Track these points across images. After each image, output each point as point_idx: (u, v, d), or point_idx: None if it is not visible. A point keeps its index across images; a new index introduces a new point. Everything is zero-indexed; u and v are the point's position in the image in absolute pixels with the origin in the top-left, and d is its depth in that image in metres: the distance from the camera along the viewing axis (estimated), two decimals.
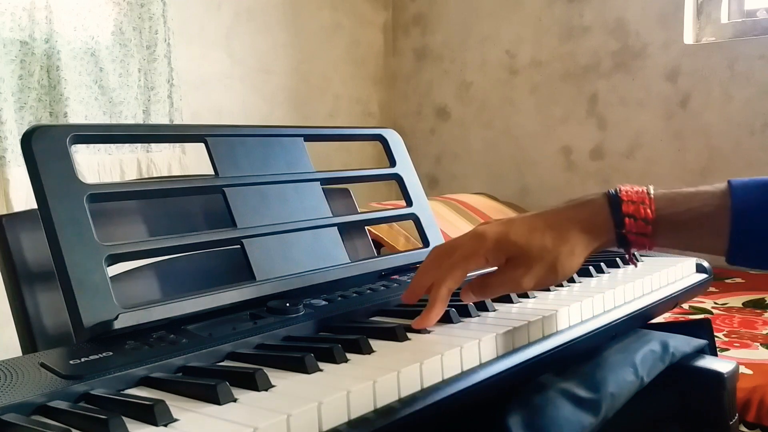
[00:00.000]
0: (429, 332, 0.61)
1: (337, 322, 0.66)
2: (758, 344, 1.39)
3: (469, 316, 0.66)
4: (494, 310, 0.68)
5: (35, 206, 0.61)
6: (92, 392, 0.48)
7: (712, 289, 1.79)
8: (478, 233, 0.62)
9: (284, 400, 0.45)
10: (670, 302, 0.82)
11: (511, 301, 0.71)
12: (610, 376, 0.68)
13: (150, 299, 0.68)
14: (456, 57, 2.75)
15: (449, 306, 0.66)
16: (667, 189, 0.60)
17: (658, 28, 2.27)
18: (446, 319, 0.64)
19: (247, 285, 0.69)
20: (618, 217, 0.59)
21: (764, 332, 1.47)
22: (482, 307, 0.68)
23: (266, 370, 0.49)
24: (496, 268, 0.64)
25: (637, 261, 0.64)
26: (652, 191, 0.59)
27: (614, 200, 0.60)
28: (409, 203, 0.94)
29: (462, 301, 0.67)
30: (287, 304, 0.66)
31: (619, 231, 0.59)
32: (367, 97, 2.85)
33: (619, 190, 0.60)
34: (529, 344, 0.62)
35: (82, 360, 0.52)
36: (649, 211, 0.58)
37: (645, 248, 0.60)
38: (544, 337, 0.63)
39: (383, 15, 2.90)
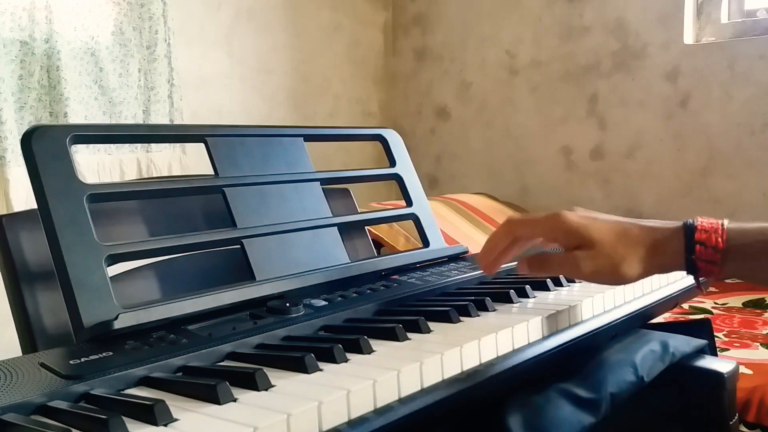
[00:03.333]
0: (430, 332, 0.61)
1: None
2: (758, 344, 1.39)
3: (469, 315, 0.66)
4: (494, 310, 0.68)
5: (35, 206, 0.61)
6: (92, 392, 0.48)
7: (712, 289, 1.79)
8: (560, 215, 0.65)
9: (284, 400, 0.45)
10: (670, 302, 0.82)
11: (510, 301, 0.71)
12: (610, 376, 0.68)
13: (150, 299, 0.68)
14: (456, 57, 2.75)
15: (449, 306, 0.66)
16: (738, 222, 0.63)
17: (658, 28, 2.27)
18: (446, 318, 0.64)
19: (247, 285, 0.69)
20: (690, 244, 0.62)
21: (764, 332, 1.47)
22: (482, 307, 0.68)
23: (266, 370, 0.49)
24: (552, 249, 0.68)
25: (703, 288, 0.68)
26: (726, 223, 0.62)
27: (689, 228, 0.63)
28: (409, 203, 0.94)
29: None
30: (287, 304, 0.66)
31: (689, 256, 0.62)
32: (367, 97, 2.85)
33: (696, 220, 0.63)
34: (530, 344, 0.62)
35: (82, 360, 0.52)
36: (720, 240, 0.61)
37: (713, 276, 0.62)
38: (544, 338, 0.63)
39: (383, 15, 2.90)
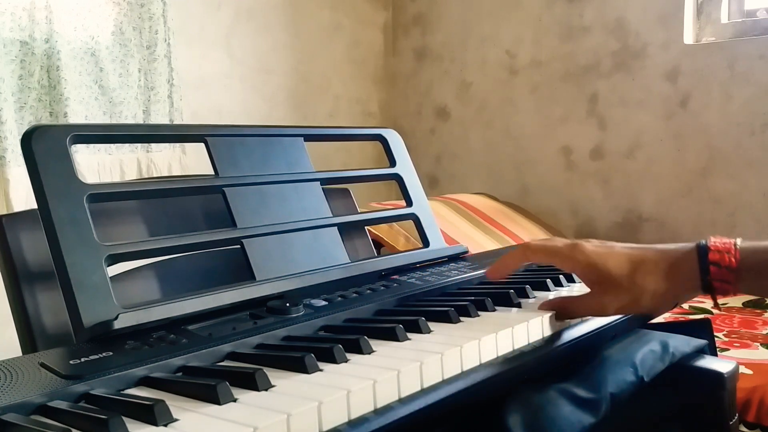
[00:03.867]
0: (430, 332, 0.61)
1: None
2: (758, 344, 1.39)
3: (469, 316, 0.66)
4: (494, 311, 0.68)
5: (35, 206, 0.61)
6: (92, 392, 0.48)
7: None
8: (579, 247, 0.67)
9: (284, 400, 0.45)
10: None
11: (511, 302, 0.71)
12: (610, 376, 0.68)
13: (150, 299, 0.68)
14: (456, 57, 2.75)
15: (448, 306, 0.66)
16: (753, 240, 0.65)
17: (658, 28, 2.27)
18: (446, 318, 0.64)
19: (247, 285, 0.69)
20: (704, 264, 0.64)
21: (764, 332, 1.47)
22: (482, 307, 0.68)
23: (266, 370, 0.49)
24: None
25: (720, 307, 0.70)
26: (739, 243, 0.64)
27: (702, 249, 0.64)
28: (409, 203, 0.94)
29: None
30: (287, 304, 0.66)
31: (704, 278, 0.63)
32: (367, 97, 2.85)
33: (709, 240, 0.65)
34: (530, 344, 0.62)
35: (82, 360, 0.52)
36: (733, 260, 0.63)
37: (729, 294, 0.64)
38: (545, 338, 0.63)
39: (383, 15, 2.90)
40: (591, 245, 0.67)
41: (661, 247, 0.67)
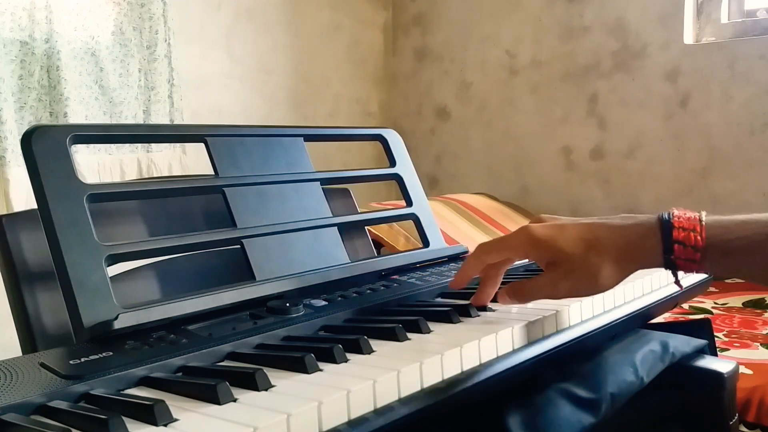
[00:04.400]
0: (430, 332, 0.61)
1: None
2: (758, 344, 1.39)
3: (469, 316, 0.66)
4: (494, 311, 0.68)
5: (35, 206, 0.61)
6: (92, 392, 0.48)
7: (712, 289, 1.79)
8: (526, 230, 0.64)
9: (284, 400, 0.45)
10: (670, 302, 0.82)
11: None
12: (610, 376, 0.68)
13: (150, 299, 0.68)
14: (456, 57, 2.75)
15: (447, 307, 0.66)
16: (717, 214, 0.61)
17: (658, 28, 2.27)
18: (446, 318, 0.64)
19: (247, 285, 0.69)
20: (668, 243, 0.60)
21: (764, 332, 1.47)
22: (482, 307, 0.68)
23: (266, 370, 0.49)
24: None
25: (680, 283, 0.65)
26: (704, 218, 0.60)
27: (666, 225, 0.60)
28: (409, 203, 0.94)
29: (470, 302, 0.67)
30: (287, 304, 0.66)
31: (667, 257, 0.60)
32: (367, 97, 2.85)
33: (672, 215, 0.60)
34: (529, 344, 0.62)
35: (82, 360, 0.52)
36: (699, 238, 0.59)
37: (692, 272, 0.60)
38: (545, 337, 0.63)
39: (383, 15, 2.90)
40: (539, 225, 0.63)
41: (617, 221, 0.62)
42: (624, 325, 0.73)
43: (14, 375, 0.49)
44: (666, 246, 0.60)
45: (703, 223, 0.59)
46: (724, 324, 1.54)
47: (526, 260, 0.89)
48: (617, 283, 0.62)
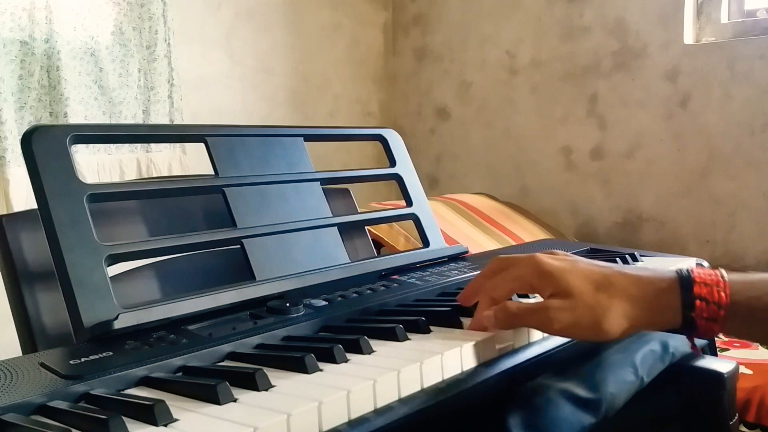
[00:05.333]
0: (430, 332, 0.61)
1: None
2: (758, 344, 1.39)
3: (470, 316, 0.66)
4: None
5: (35, 206, 0.61)
6: (92, 392, 0.48)
7: None
8: (534, 260, 0.59)
9: (284, 400, 0.45)
10: None
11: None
12: (610, 376, 0.68)
13: (150, 299, 0.68)
14: (456, 57, 2.75)
15: (447, 307, 0.66)
16: (739, 273, 0.56)
17: (658, 28, 2.27)
18: (446, 318, 0.64)
19: (247, 285, 0.69)
20: (688, 299, 0.55)
21: None
22: None
23: (266, 370, 0.49)
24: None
25: (697, 347, 0.61)
26: (725, 275, 0.55)
27: (686, 280, 0.55)
28: (409, 203, 0.94)
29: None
30: (287, 304, 0.66)
31: (687, 314, 0.55)
32: (367, 97, 2.85)
33: (691, 271, 0.56)
34: (529, 344, 0.62)
35: (82, 360, 0.52)
36: (723, 294, 0.54)
37: (712, 335, 0.56)
38: (545, 338, 0.63)
39: (383, 15, 2.90)
40: (549, 257, 0.59)
41: (634, 270, 0.58)
42: None
43: (14, 375, 0.49)
44: (686, 302, 0.55)
45: (726, 279, 0.55)
46: None
47: None
48: (622, 334, 0.56)
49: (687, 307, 0.54)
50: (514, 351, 0.60)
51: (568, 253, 0.62)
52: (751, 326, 0.55)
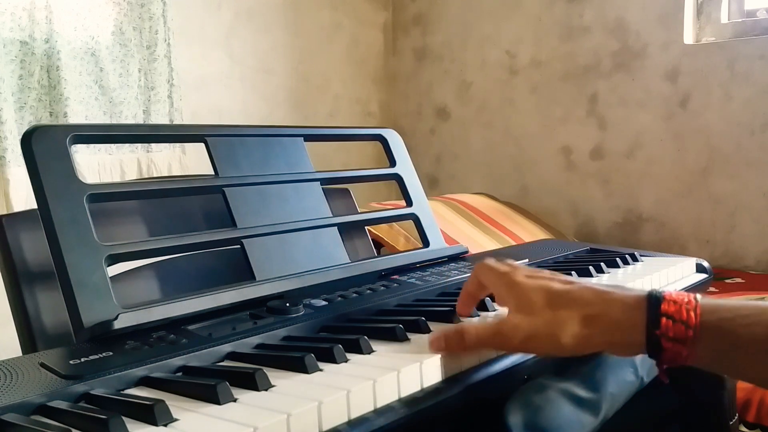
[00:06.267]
0: (430, 332, 0.61)
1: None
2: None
3: (469, 316, 0.66)
4: (494, 311, 0.68)
5: (35, 206, 0.61)
6: (92, 392, 0.48)
7: (712, 289, 1.79)
8: (508, 277, 0.58)
9: (284, 400, 0.45)
10: None
11: None
12: (610, 376, 0.68)
13: (150, 299, 0.68)
14: (456, 57, 2.75)
15: (447, 307, 0.66)
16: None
17: (658, 28, 2.27)
18: (446, 319, 0.64)
19: (247, 285, 0.69)
20: (654, 315, 0.50)
21: None
22: (482, 307, 0.68)
23: (266, 370, 0.49)
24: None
25: (665, 375, 0.54)
26: (699, 297, 0.52)
27: (654, 298, 0.51)
28: (409, 203, 0.94)
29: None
30: (287, 304, 0.66)
31: (652, 332, 0.50)
32: (367, 97, 2.85)
33: (664, 291, 0.53)
34: None
35: (82, 360, 0.52)
36: (692, 314, 0.50)
37: (681, 361, 0.51)
38: None
39: (383, 15, 2.90)
40: (523, 270, 0.58)
41: (603, 288, 0.55)
42: None
43: (14, 375, 0.49)
44: (651, 318, 0.50)
45: (698, 300, 0.51)
46: None
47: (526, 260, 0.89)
48: (580, 348, 0.53)
49: (652, 324, 0.51)
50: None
51: (539, 270, 0.60)
52: (721, 353, 0.51)
